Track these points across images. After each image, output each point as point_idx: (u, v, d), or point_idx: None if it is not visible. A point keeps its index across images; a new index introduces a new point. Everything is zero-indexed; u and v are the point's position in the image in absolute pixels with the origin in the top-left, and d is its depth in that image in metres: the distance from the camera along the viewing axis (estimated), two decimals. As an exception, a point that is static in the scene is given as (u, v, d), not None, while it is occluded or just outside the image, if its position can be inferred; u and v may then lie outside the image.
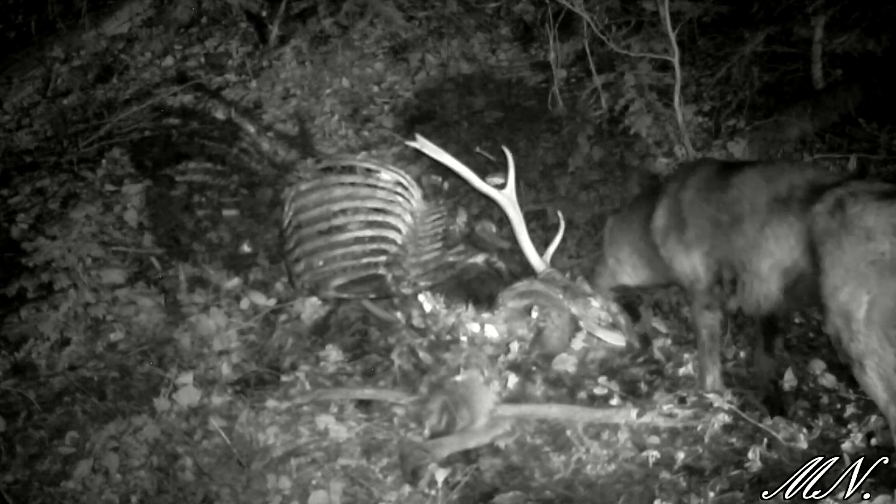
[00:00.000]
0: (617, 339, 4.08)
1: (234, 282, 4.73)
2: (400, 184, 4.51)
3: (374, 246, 4.36)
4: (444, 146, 5.76)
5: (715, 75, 5.63)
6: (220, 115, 6.35)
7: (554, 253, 4.38)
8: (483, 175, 4.50)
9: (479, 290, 4.32)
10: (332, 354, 4.22)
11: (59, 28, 7.08)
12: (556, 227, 4.44)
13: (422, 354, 3.90)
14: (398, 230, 4.41)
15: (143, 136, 6.19)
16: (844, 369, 3.72)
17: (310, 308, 4.50)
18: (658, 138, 5.38)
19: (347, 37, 6.89)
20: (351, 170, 4.63)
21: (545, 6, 5.53)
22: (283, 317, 4.53)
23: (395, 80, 6.51)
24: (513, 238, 4.35)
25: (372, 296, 4.31)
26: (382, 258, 4.33)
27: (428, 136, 5.85)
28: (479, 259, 4.50)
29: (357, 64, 6.69)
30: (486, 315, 4.05)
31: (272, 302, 4.57)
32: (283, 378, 4.08)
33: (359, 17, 6.98)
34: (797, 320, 4.12)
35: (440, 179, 5.48)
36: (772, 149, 5.10)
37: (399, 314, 4.14)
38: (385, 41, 6.86)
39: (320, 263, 4.34)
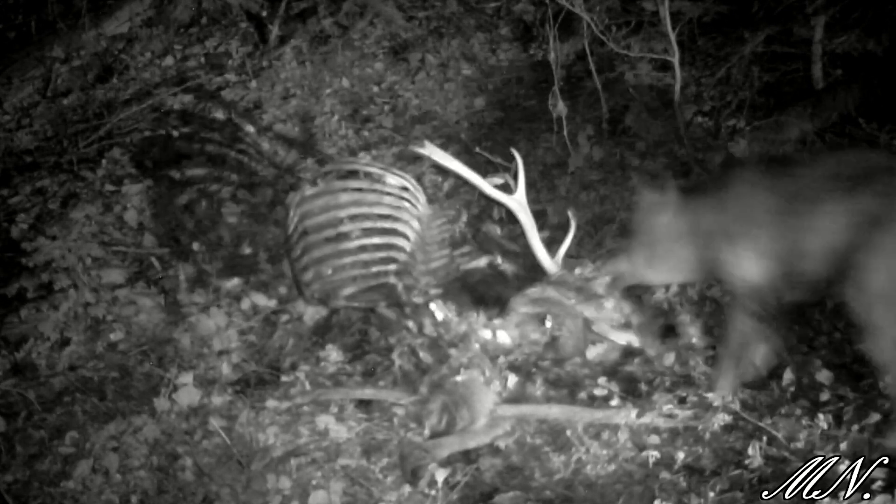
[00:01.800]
0: (630, 340, 4.01)
1: (235, 282, 4.73)
2: (406, 188, 4.45)
3: (384, 254, 4.29)
4: (444, 146, 5.80)
5: (715, 75, 5.63)
6: (220, 115, 6.36)
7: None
8: (483, 175, 4.49)
9: (484, 294, 4.27)
10: (332, 354, 4.21)
11: (59, 28, 7.07)
12: (560, 227, 4.41)
13: (422, 354, 3.90)
14: (406, 237, 4.35)
15: (143, 136, 6.19)
16: (844, 368, 3.75)
17: (311, 309, 4.48)
18: (658, 138, 5.39)
19: (347, 37, 6.89)
20: (356, 174, 4.58)
21: (545, 6, 5.52)
22: (284, 317, 4.52)
23: (395, 80, 6.52)
24: (519, 239, 4.31)
25: (382, 305, 4.25)
26: (392, 266, 4.27)
27: (428, 137, 5.91)
28: (483, 261, 4.46)
29: (357, 64, 6.70)
30: (497, 321, 4.01)
31: (273, 303, 4.56)
32: (283, 378, 4.08)
33: (359, 17, 6.98)
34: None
35: (440, 179, 5.48)
36: (772, 149, 5.10)
37: (410, 323, 4.08)
38: (385, 41, 6.86)
39: (329, 272, 4.28)
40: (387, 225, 4.35)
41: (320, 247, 4.31)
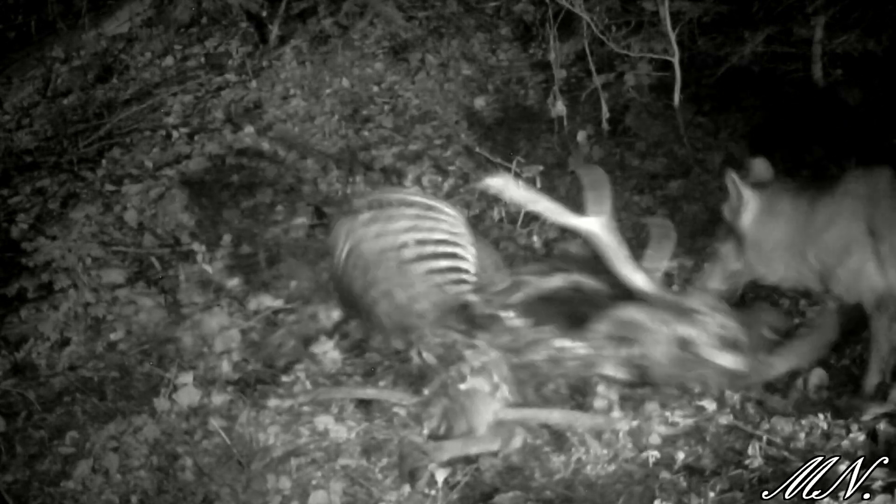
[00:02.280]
0: (738, 363, 3.69)
1: (235, 281, 4.73)
2: (452, 216, 4.26)
3: (456, 276, 4.07)
4: (443, 146, 5.81)
5: (715, 75, 5.63)
6: (220, 115, 6.36)
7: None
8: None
9: (568, 312, 4.00)
10: (332, 354, 4.21)
11: (59, 28, 7.08)
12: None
13: (425, 354, 3.84)
14: (468, 260, 4.14)
15: (142, 135, 6.19)
16: (844, 368, 3.74)
17: (325, 312, 4.46)
18: (658, 138, 5.39)
19: (347, 37, 6.89)
20: (402, 203, 4.35)
21: (545, 6, 5.53)
22: (291, 317, 4.50)
23: (395, 80, 6.51)
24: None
25: (461, 325, 4.00)
26: (468, 287, 4.06)
27: (428, 137, 5.92)
28: (566, 279, 4.13)
29: (357, 64, 6.70)
30: (572, 333, 3.81)
31: (277, 303, 4.55)
32: (284, 378, 4.08)
33: (359, 17, 6.98)
34: (796, 320, 4.09)
35: (440, 179, 5.48)
36: (772, 148, 5.10)
37: (485, 334, 3.88)
38: (385, 41, 6.86)
39: (404, 299, 4.04)
40: (448, 249, 4.14)
41: (381, 269, 4.08)
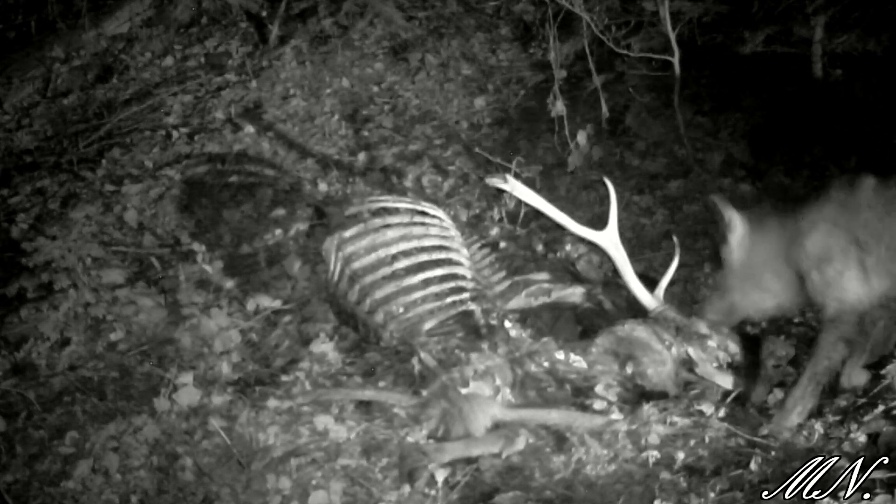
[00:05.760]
0: (736, 384, 3.72)
1: (234, 282, 4.73)
2: (438, 217, 4.29)
3: (453, 284, 4.07)
4: (443, 146, 5.81)
5: (715, 75, 5.62)
6: (220, 115, 6.36)
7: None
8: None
9: (578, 323, 4.09)
10: (332, 354, 4.21)
11: (59, 28, 7.09)
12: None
13: (424, 357, 3.83)
14: (463, 264, 4.16)
15: (142, 135, 6.20)
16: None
17: (323, 310, 4.46)
18: (658, 138, 5.39)
19: (347, 37, 6.89)
20: (388, 210, 4.36)
21: (545, 6, 5.52)
22: (290, 317, 4.50)
23: (395, 80, 6.52)
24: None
25: (460, 334, 3.99)
26: (466, 294, 4.06)
27: (428, 137, 5.92)
28: (579, 291, 4.20)
29: (357, 64, 6.70)
30: (574, 347, 3.83)
31: (277, 303, 4.54)
32: (284, 378, 4.08)
33: (359, 17, 6.98)
34: (796, 319, 4.08)
35: (440, 179, 5.48)
36: (772, 149, 5.11)
37: (485, 344, 3.87)
38: (385, 41, 6.87)
39: (401, 311, 4.02)
40: (442, 256, 4.14)
41: (381, 287, 4.06)
